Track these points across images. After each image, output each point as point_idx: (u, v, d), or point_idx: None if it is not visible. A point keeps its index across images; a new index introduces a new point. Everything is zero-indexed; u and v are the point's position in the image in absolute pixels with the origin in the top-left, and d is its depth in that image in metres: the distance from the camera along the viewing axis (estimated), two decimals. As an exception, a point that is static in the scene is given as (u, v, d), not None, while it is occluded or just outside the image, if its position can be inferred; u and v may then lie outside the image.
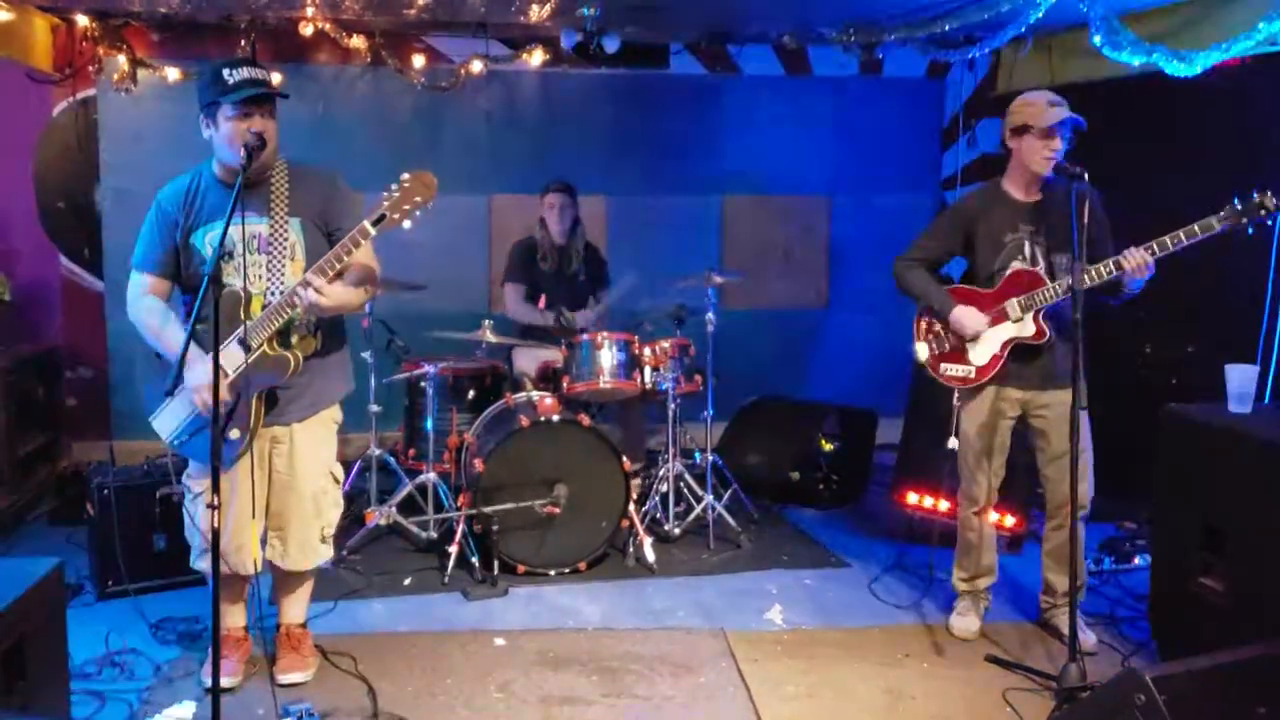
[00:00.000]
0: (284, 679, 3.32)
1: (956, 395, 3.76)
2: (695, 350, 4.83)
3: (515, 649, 3.66)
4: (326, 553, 3.44)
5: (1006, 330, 3.60)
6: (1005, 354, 3.61)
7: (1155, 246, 3.26)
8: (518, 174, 6.02)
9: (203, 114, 3.09)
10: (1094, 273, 3.35)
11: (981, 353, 3.66)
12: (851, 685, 3.43)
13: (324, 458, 3.36)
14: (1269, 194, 3.13)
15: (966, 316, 3.63)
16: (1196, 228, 3.20)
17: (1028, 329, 3.56)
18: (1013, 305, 3.57)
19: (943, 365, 3.76)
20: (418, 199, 2.85)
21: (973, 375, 3.68)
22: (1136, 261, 3.28)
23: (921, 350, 3.83)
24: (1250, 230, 3.19)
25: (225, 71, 3.02)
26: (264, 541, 3.33)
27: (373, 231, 2.89)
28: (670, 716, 3.23)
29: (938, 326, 3.77)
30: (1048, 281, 3.52)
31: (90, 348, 5.75)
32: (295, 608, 3.49)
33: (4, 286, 5.22)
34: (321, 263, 2.96)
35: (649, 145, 6.25)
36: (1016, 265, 3.59)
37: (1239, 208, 3.16)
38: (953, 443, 3.75)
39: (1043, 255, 3.58)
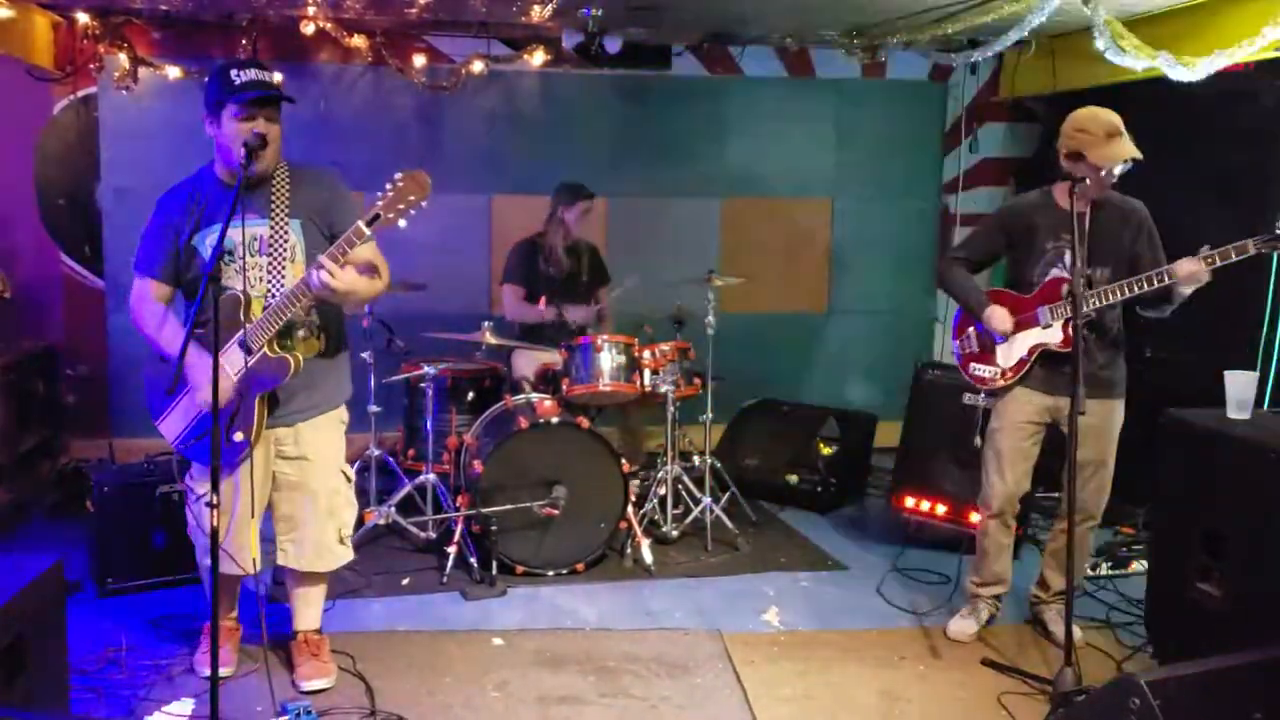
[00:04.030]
0: (307, 686, 3.32)
1: (980, 396, 3.79)
2: (694, 353, 4.84)
3: (513, 649, 3.67)
4: (345, 554, 3.42)
5: (1035, 335, 3.61)
6: (1032, 359, 3.62)
7: (1206, 259, 3.24)
8: (519, 174, 6.03)
9: (207, 113, 3.09)
10: (1106, 294, 3.37)
11: (1009, 355, 3.69)
12: (848, 687, 3.43)
13: (334, 457, 3.35)
14: None
15: (994, 316, 3.65)
16: (1232, 250, 3.20)
17: (1055, 336, 3.57)
18: (1044, 312, 3.58)
19: (972, 365, 3.81)
20: (411, 198, 2.84)
21: (999, 377, 3.71)
22: (1186, 270, 3.27)
23: (955, 348, 3.89)
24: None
25: (232, 72, 3.02)
26: (270, 543, 3.34)
27: (367, 231, 2.88)
28: (667, 717, 3.23)
29: (971, 326, 3.81)
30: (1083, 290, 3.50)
31: (90, 345, 5.74)
32: (309, 614, 3.47)
33: (4, 284, 5.22)
34: (332, 249, 2.95)
35: (650, 146, 6.25)
36: (1055, 273, 3.59)
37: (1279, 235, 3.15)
38: (979, 441, 3.78)
39: (1084, 266, 3.56)
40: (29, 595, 2.53)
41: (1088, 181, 3.42)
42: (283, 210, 3.14)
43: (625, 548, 4.53)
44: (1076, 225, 3.28)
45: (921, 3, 4.71)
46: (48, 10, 5.29)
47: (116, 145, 5.67)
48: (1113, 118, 3.47)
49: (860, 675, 3.52)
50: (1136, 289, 3.36)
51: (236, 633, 3.52)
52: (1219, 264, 3.24)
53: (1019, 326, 3.64)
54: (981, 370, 3.77)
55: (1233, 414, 3.39)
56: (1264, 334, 4.30)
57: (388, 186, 2.85)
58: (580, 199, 5.15)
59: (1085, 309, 3.44)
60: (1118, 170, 3.42)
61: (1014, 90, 6.12)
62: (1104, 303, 3.41)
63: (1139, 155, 3.41)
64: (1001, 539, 3.81)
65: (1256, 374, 3.57)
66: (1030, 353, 3.63)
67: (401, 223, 2.87)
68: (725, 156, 6.35)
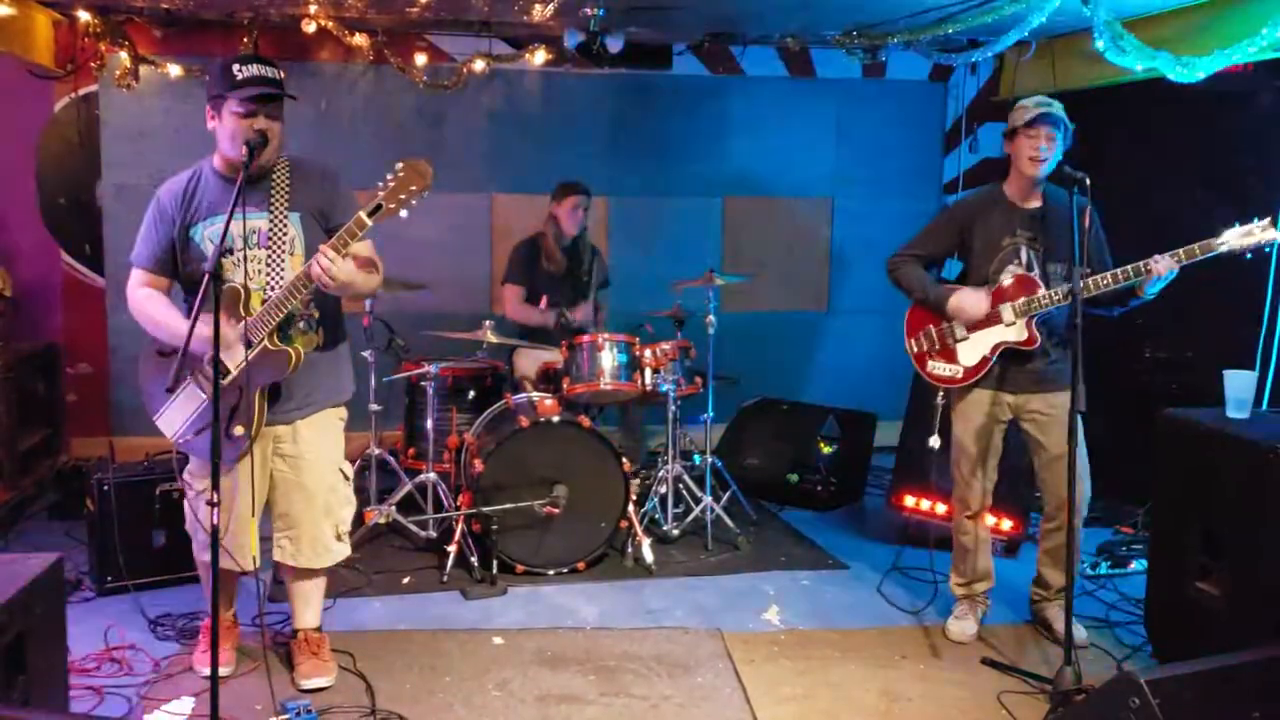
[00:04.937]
0: (307, 684, 3.32)
1: (942, 394, 3.77)
2: (695, 352, 4.84)
3: (513, 648, 3.67)
4: (342, 551, 3.43)
5: (997, 333, 3.61)
6: (994, 357, 3.62)
7: (1182, 254, 3.26)
8: (520, 173, 6.03)
9: (209, 105, 3.10)
10: (1092, 283, 3.36)
11: (970, 354, 3.67)
12: (847, 687, 3.44)
13: (332, 455, 3.35)
14: (1268, 222, 3.14)
15: (966, 299, 3.62)
16: (1197, 248, 3.22)
17: (1019, 334, 3.57)
18: (1007, 309, 3.57)
19: (930, 364, 3.77)
20: (413, 187, 2.83)
21: (960, 375, 3.70)
22: (1161, 267, 3.28)
23: (911, 347, 3.84)
24: (1249, 255, 3.21)
25: (235, 66, 3.02)
26: (267, 540, 3.33)
27: (369, 222, 2.88)
28: (667, 716, 3.23)
29: (929, 324, 3.77)
30: (1043, 288, 3.52)
31: (91, 343, 5.75)
32: (309, 612, 3.47)
33: (5, 282, 5.23)
34: (334, 240, 2.94)
35: (651, 146, 6.25)
36: (1013, 270, 3.60)
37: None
38: (934, 441, 3.77)
39: (1038, 262, 3.58)
40: (29, 594, 2.52)
41: (1025, 157, 3.48)
42: (282, 204, 3.14)
43: (626, 547, 4.53)
44: (1077, 223, 3.27)
45: (922, 3, 4.72)
46: (49, 8, 5.29)
47: (117, 144, 5.67)
48: (1042, 98, 3.56)
49: (860, 674, 3.52)
50: (1114, 281, 3.34)
51: (235, 631, 3.53)
52: (1185, 261, 3.25)
53: (980, 325, 3.63)
54: (941, 369, 3.74)
55: (1232, 413, 3.38)
56: (1264, 334, 4.31)
57: (389, 176, 2.84)
58: (570, 194, 5.14)
59: (1050, 305, 3.48)
60: (1040, 140, 3.46)
61: (1014, 90, 6.12)
62: (1091, 292, 3.39)
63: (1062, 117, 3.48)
64: (983, 535, 3.83)
65: (1255, 373, 3.58)
66: (993, 351, 3.62)
67: (403, 213, 2.86)
68: (726, 156, 6.36)
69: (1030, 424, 3.66)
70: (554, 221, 5.17)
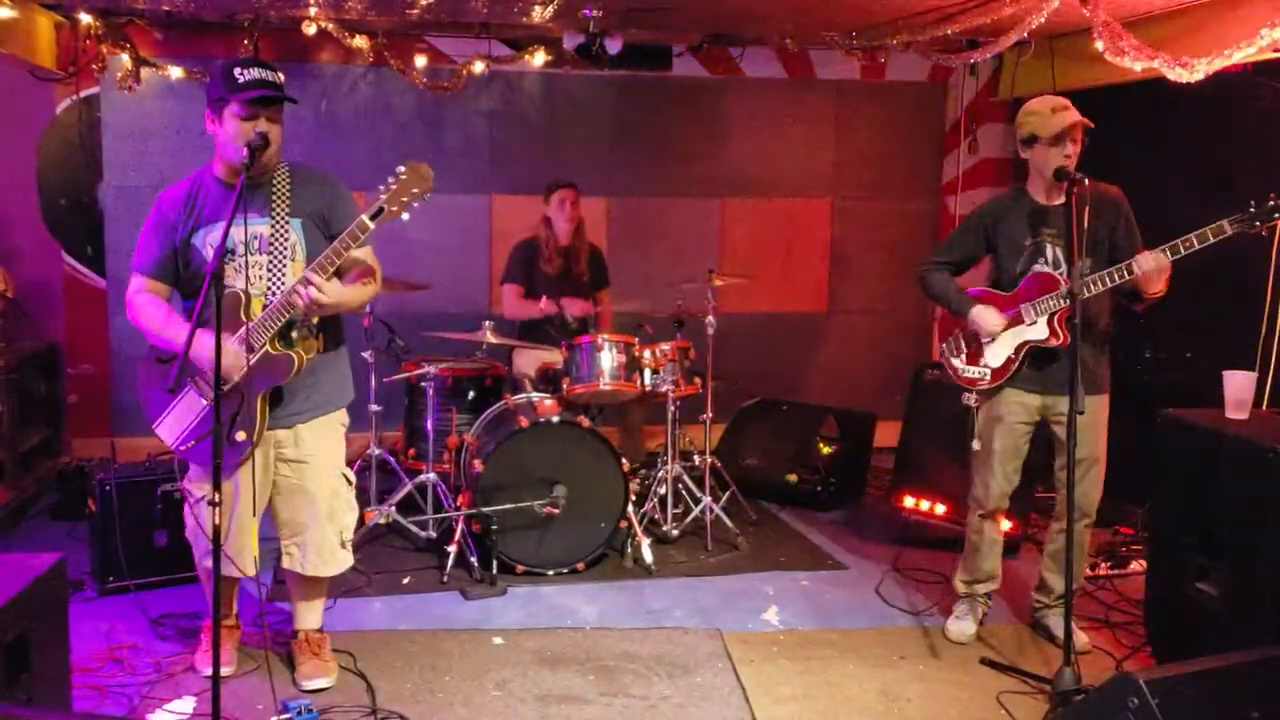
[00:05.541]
0: (308, 685, 3.32)
1: (973, 396, 3.78)
2: (695, 353, 4.85)
3: (513, 648, 3.68)
4: (347, 559, 3.42)
5: (1020, 333, 3.61)
6: (1020, 357, 3.62)
7: (1167, 250, 3.25)
8: (519, 175, 6.04)
9: (209, 109, 3.10)
10: (1099, 280, 3.36)
11: (996, 355, 3.68)
12: (847, 687, 3.44)
13: (333, 459, 3.35)
14: (1270, 205, 3.13)
15: (983, 316, 3.64)
16: (1209, 231, 3.20)
17: (1040, 332, 3.57)
18: (1027, 309, 3.58)
19: (960, 366, 3.79)
20: (415, 190, 2.86)
21: (988, 377, 3.70)
22: (1147, 266, 3.27)
23: (942, 350, 3.88)
24: (1264, 234, 3.19)
25: (237, 70, 3.03)
26: (267, 542, 3.33)
27: (371, 226, 2.90)
28: (666, 716, 3.24)
29: (957, 328, 3.80)
30: (1063, 285, 3.52)
31: (92, 344, 5.77)
32: (311, 614, 3.48)
33: (7, 283, 5.24)
34: (320, 259, 2.96)
35: (650, 147, 6.26)
36: (1037, 269, 3.60)
37: (1253, 211, 3.16)
38: (976, 444, 3.77)
39: (1065, 259, 3.57)
40: (31, 594, 2.53)
41: (1053, 165, 3.44)
42: (283, 209, 3.15)
43: (625, 547, 4.54)
44: (1076, 223, 3.27)
45: (922, 4, 4.72)
46: (50, 11, 5.31)
47: (119, 145, 5.69)
48: (1058, 98, 3.53)
49: (859, 674, 3.53)
50: (1109, 281, 3.35)
51: (237, 632, 3.54)
52: (1197, 247, 3.21)
53: (1005, 326, 3.64)
54: (969, 371, 3.75)
55: (1232, 414, 3.39)
56: (1264, 334, 4.31)
57: (390, 180, 2.87)
58: (555, 190, 5.17)
59: (1064, 304, 3.47)
60: (1069, 149, 3.43)
61: (1013, 91, 6.12)
62: (1091, 291, 3.38)
63: (1089, 122, 3.43)
64: (993, 536, 3.82)
65: (1255, 374, 3.58)
66: (1017, 351, 3.63)
67: (405, 215, 2.89)
68: (725, 157, 6.36)
69: (1058, 426, 3.63)
70: (547, 223, 5.20)
